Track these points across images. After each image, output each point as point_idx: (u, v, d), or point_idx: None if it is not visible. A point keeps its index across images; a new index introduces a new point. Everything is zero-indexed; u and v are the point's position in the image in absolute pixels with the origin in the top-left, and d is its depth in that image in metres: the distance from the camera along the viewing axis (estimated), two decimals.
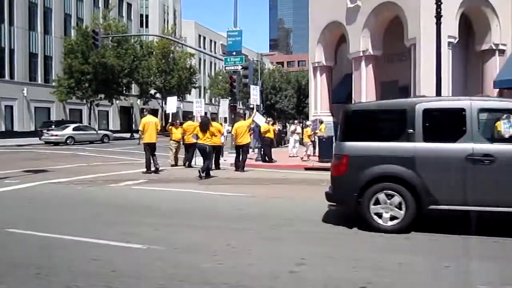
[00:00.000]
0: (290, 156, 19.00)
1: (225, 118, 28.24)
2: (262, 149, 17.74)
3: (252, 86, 18.78)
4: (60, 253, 5.38)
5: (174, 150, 16.53)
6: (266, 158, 17.36)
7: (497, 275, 4.69)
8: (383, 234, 6.18)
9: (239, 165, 14.86)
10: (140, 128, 14.34)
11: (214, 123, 14.86)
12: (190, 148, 16.07)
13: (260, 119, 18.45)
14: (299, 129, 20.57)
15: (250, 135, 16.57)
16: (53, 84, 40.92)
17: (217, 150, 15.30)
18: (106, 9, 44.91)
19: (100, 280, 4.41)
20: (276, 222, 7.07)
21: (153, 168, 14.03)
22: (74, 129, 32.25)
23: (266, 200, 9.38)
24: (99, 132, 36.05)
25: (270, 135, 18.06)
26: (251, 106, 18.45)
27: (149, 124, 14.12)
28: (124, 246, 5.68)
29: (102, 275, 4.57)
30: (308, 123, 19.74)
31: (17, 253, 5.42)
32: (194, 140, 14.94)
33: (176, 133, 16.65)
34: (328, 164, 16.03)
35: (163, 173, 14.13)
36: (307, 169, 15.99)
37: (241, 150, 14.95)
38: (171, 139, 16.75)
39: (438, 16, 16.27)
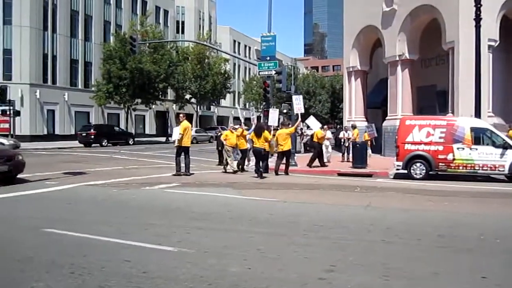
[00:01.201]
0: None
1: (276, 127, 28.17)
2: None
3: (294, 96, 19.19)
4: (94, 253, 5.51)
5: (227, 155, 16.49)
6: (319, 162, 17.58)
7: None
8: (416, 244, 6.02)
9: (278, 170, 15.29)
10: (181, 131, 14.66)
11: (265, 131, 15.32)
12: (243, 153, 17.06)
13: (314, 124, 18.70)
14: (329, 134, 20.31)
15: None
16: (92, 89, 42.20)
17: (243, 153, 16.83)
18: (143, 15, 45.96)
19: (131, 281, 4.50)
20: (307, 228, 7.02)
21: (182, 170, 14.45)
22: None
23: (298, 205, 9.32)
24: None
25: (321, 140, 18.21)
26: (285, 112, 18.72)
27: (189, 129, 14.81)
28: (156, 248, 5.77)
29: (134, 276, 4.66)
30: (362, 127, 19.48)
31: (54, 252, 5.59)
32: (248, 146, 16.65)
33: (231, 138, 16.66)
34: (362, 170, 16.01)
35: (196, 177, 14.30)
36: (340, 174, 15.81)
37: (284, 156, 15.38)
38: (225, 145, 16.56)
39: (478, 19, 15.83)
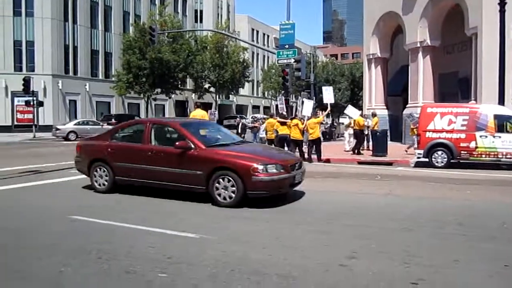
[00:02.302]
0: (345, 151, 18.70)
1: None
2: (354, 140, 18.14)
3: (324, 87, 19.59)
4: (120, 240, 5.67)
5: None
6: (355, 151, 17.65)
7: None
8: (438, 232, 6.01)
9: (311, 158, 15.68)
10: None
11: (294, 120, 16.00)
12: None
13: (353, 112, 18.74)
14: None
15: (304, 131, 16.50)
16: (112, 79, 42.69)
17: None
18: (162, 5, 46.06)
19: (156, 266, 4.63)
20: (328, 216, 7.05)
21: None
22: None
23: (318, 193, 9.34)
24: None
25: (361, 127, 18.36)
26: (304, 100, 18.80)
27: (200, 117, 14.51)
28: (179, 235, 5.90)
29: (158, 261, 4.79)
30: (410, 117, 18.91)
31: (80, 238, 5.76)
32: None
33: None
34: (382, 158, 15.89)
35: None
36: (360, 163, 15.75)
37: (314, 144, 15.88)
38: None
39: (502, 3, 15.45)
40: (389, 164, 15.35)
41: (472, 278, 4.40)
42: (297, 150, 15.36)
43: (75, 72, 42.51)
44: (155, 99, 43.30)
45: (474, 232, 6.07)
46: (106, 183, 9.00)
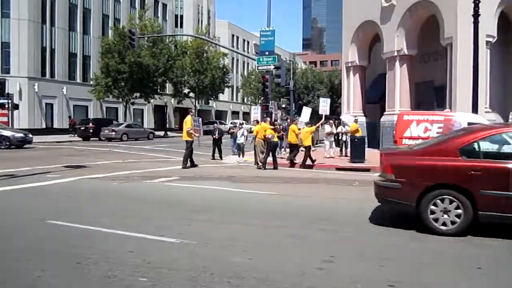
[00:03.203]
0: (325, 157, 18.86)
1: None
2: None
3: (322, 99, 21.19)
4: (99, 245, 5.64)
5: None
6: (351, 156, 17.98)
7: None
8: (414, 235, 6.19)
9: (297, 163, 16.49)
10: (190, 125, 15.88)
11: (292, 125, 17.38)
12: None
13: (347, 118, 19.15)
14: (334, 130, 20.44)
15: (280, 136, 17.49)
16: (91, 83, 42.21)
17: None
18: (142, 9, 45.91)
19: (136, 271, 4.63)
20: (306, 221, 7.16)
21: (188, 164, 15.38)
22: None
23: (296, 198, 9.45)
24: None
25: (359, 133, 18.59)
26: (283, 107, 19.15)
27: (185, 122, 15.81)
28: (159, 239, 5.90)
29: (138, 266, 4.79)
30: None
31: (59, 243, 5.72)
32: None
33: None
34: (360, 165, 16.14)
35: (195, 170, 14.43)
36: (338, 169, 15.95)
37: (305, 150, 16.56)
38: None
39: (476, 15, 15.90)
40: (367, 170, 15.58)
41: (445, 278, 4.54)
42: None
43: (52, 75, 41.87)
44: (133, 104, 42.98)
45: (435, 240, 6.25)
46: (457, 220, 6.18)
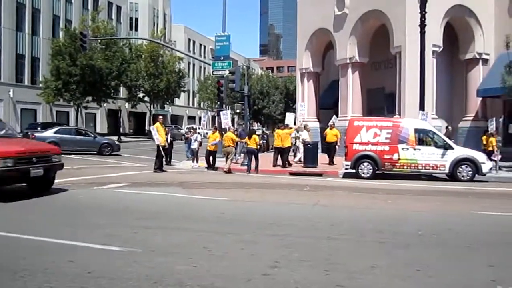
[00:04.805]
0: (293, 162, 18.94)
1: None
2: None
3: (300, 103, 21.88)
4: (38, 256, 5.38)
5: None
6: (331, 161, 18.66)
7: None
8: (359, 240, 6.30)
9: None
10: (162, 131, 16.59)
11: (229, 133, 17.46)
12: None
13: (290, 119, 20.26)
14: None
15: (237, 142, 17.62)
16: (40, 86, 40.57)
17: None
18: (95, 11, 44.68)
19: (74, 282, 4.45)
20: (255, 226, 7.14)
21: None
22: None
23: (247, 204, 9.45)
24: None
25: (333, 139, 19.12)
26: (238, 112, 19.12)
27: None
28: (102, 248, 5.70)
29: (78, 276, 4.60)
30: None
31: None
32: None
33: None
34: (312, 170, 16.38)
35: (147, 176, 14.15)
36: (291, 174, 16.10)
37: (283, 152, 17.50)
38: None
39: (422, 25, 16.56)
40: (319, 175, 15.84)
41: (386, 283, 4.64)
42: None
43: None
44: (85, 108, 41.71)
45: (392, 239, 6.41)
46: None
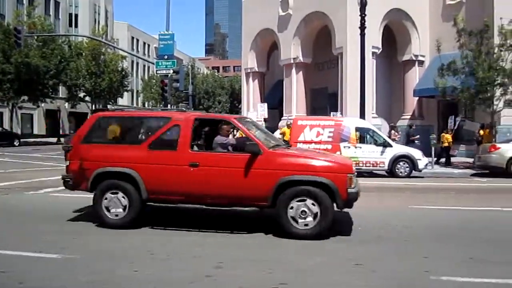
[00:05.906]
0: None
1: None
2: None
3: (259, 104, 21.65)
4: None
5: None
6: None
7: None
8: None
9: None
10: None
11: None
12: None
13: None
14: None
15: None
16: None
17: None
18: (30, 6, 42.47)
19: None
20: (203, 227, 7.07)
21: None
22: None
23: (194, 207, 9.32)
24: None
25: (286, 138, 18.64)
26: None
27: None
28: (38, 256, 5.43)
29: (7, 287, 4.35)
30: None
31: None
32: None
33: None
34: None
35: None
36: None
37: None
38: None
39: (363, 28, 17.11)
40: None
41: (328, 277, 4.74)
42: None
43: None
44: (21, 107, 39.61)
45: (333, 236, 6.57)
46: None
